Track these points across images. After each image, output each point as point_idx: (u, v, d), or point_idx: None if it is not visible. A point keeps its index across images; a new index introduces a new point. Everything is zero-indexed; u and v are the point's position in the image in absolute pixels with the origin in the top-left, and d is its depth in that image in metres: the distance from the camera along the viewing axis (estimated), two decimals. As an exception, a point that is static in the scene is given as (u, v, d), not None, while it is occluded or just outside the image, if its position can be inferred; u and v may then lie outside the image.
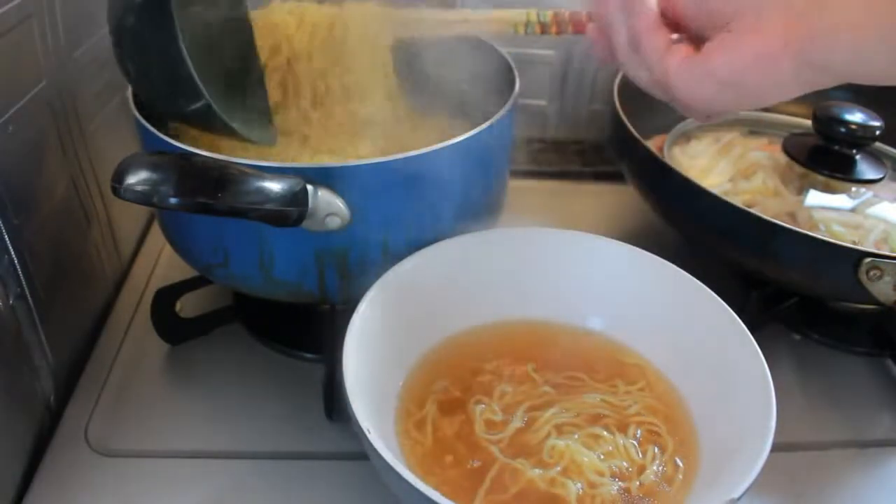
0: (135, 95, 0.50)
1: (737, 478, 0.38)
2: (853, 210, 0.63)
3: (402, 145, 0.54)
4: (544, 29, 0.47)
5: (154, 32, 0.43)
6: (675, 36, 0.41)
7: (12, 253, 0.47)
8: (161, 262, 0.68)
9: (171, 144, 0.46)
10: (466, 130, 0.48)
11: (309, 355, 0.58)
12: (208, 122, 0.46)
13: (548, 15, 0.47)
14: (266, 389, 0.56)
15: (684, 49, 0.39)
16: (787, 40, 0.35)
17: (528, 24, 0.48)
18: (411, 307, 0.49)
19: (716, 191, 0.56)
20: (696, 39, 0.40)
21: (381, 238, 0.49)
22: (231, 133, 0.47)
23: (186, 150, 0.45)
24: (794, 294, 0.61)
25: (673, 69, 0.39)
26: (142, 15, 0.43)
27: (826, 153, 0.64)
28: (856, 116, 0.62)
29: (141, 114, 0.48)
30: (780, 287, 0.60)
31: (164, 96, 0.46)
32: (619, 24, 0.42)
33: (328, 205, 0.44)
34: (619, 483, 0.43)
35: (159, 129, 0.47)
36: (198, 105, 0.44)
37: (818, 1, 0.35)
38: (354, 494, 0.48)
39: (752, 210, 0.54)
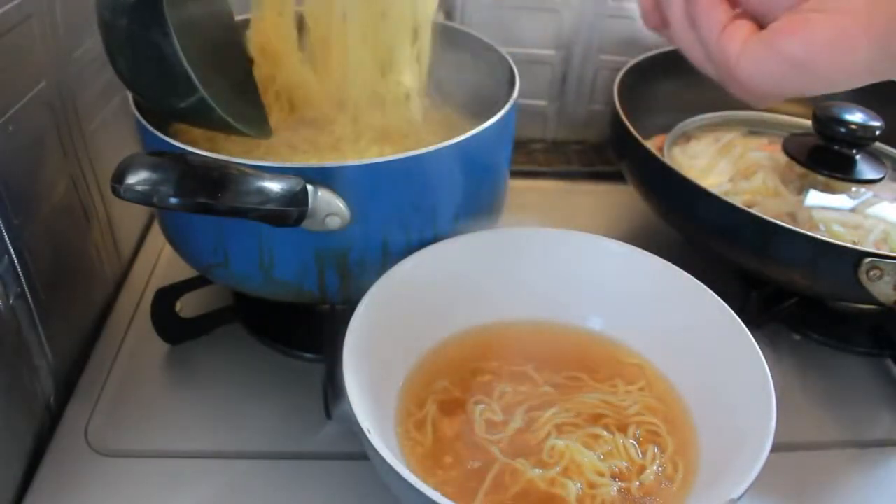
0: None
1: (737, 478, 0.38)
2: (853, 210, 0.63)
3: (404, 145, 0.54)
4: None
5: (146, 31, 0.43)
6: (737, 10, 0.38)
7: (12, 253, 0.47)
8: (161, 262, 0.68)
9: (171, 144, 0.46)
10: (466, 130, 0.48)
11: (309, 355, 0.58)
12: (204, 117, 0.46)
13: None
14: (266, 389, 0.56)
15: (748, 26, 0.37)
16: (870, 24, 0.33)
17: None
18: (411, 307, 0.49)
19: (716, 191, 0.56)
20: (760, 17, 0.37)
21: (381, 238, 0.49)
22: (227, 126, 0.47)
23: (186, 150, 0.44)
24: (794, 294, 0.61)
25: (735, 47, 0.36)
26: (133, 15, 0.43)
27: (826, 153, 0.64)
28: (856, 116, 0.62)
29: (141, 114, 0.48)
30: (780, 287, 0.60)
31: (159, 93, 0.46)
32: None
33: (328, 205, 0.44)
34: (619, 483, 0.43)
35: (159, 130, 0.47)
36: (193, 99, 0.44)
37: None
38: (354, 494, 0.48)
39: (752, 210, 0.54)
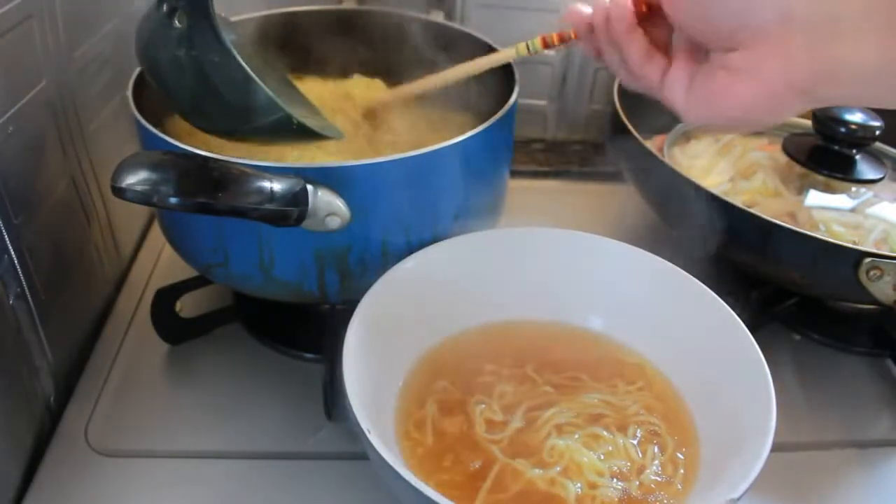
0: (135, 95, 0.50)
1: (737, 478, 0.38)
2: (853, 210, 0.63)
3: (403, 145, 0.54)
4: (542, 48, 0.48)
5: (207, 54, 0.43)
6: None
7: (12, 253, 0.47)
8: (161, 262, 0.68)
9: (171, 144, 0.46)
10: (467, 130, 0.48)
11: (309, 355, 0.58)
12: (283, 131, 0.46)
13: (536, 43, 0.47)
14: (266, 389, 0.56)
15: (683, 76, 0.40)
16: (790, 81, 0.36)
17: (517, 54, 0.49)
18: (411, 307, 0.49)
19: (716, 191, 0.56)
20: (696, 47, 0.40)
21: (381, 238, 0.49)
22: (307, 134, 0.47)
23: (186, 150, 0.45)
24: (794, 294, 0.61)
25: (680, 101, 0.40)
26: (190, 42, 0.42)
27: (826, 153, 0.64)
28: (856, 116, 0.62)
29: (141, 114, 0.48)
30: (780, 287, 0.60)
31: (233, 116, 0.45)
32: (610, 53, 0.42)
33: (328, 205, 0.44)
34: (619, 483, 0.43)
35: (159, 130, 0.47)
36: (277, 116, 0.44)
37: (823, 33, 0.34)
38: (354, 494, 0.48)
39: (752, 210, 0.54)
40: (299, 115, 0.46)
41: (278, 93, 0.45)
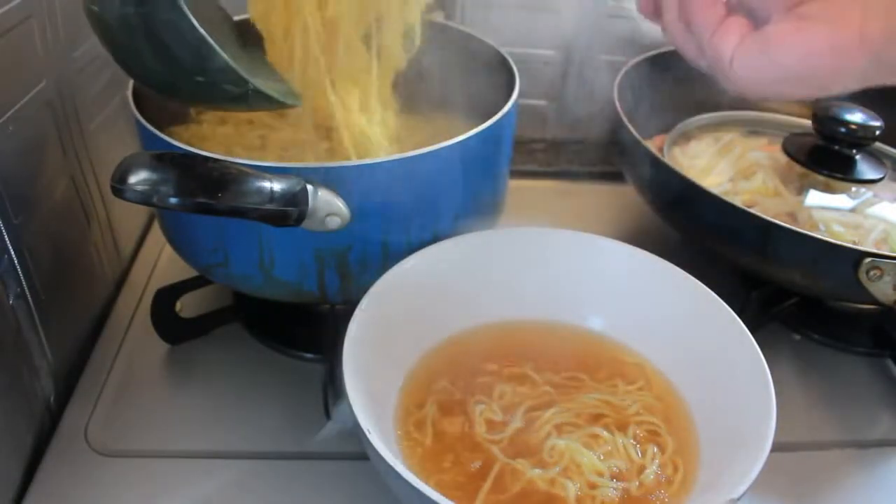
0: (135, 95, 0.50)
1: (737, 478, 0.38)
2: (853, 210, 0.63)
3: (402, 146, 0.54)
4: None
5: (159, 13, 0.41)
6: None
7: (12, 253, 0.47)
8: (161, 262, 0.68)
9: (171, 144, 0.46)
10: (467, 130, 0.48)
11: (309, 355, 0.58)
12: (240, 97, 0.45)
13: None
14: (266, 389, 0.56)
15: (742, 25, 0.36)
16: (864, 34, 0.33)
17: None
18: (411, 307, 0.49)
19: (716, 191, 0.56)
20: (754, 12, 0.37)
21: (381, 238, 0.49)
22: (259, 98, 0.45)
23: (186, 150, 0.44)
24: (794, 294, 0.61)
25: (729, 48, 0.36)
26: (152, 7, 0.41)
27: (826, 153, 0.64)
28: (856, 116, 0.62)
29: (141, 114, 0.48)
30: (780, 287, 0.59)
31: (183, 78, 0.44)
32: None
33: (328, 205, 0.44)
34: (619, 483, 0.43)
35: (159, 130, 0.47)
36: (241, 88, 0.43)
37: None
38: (354, 494, 0.48)
39: (752, 210, 0.54)
40: (260, 82, 0.44)
41: (237, 58, 0.44)
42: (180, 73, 0.44)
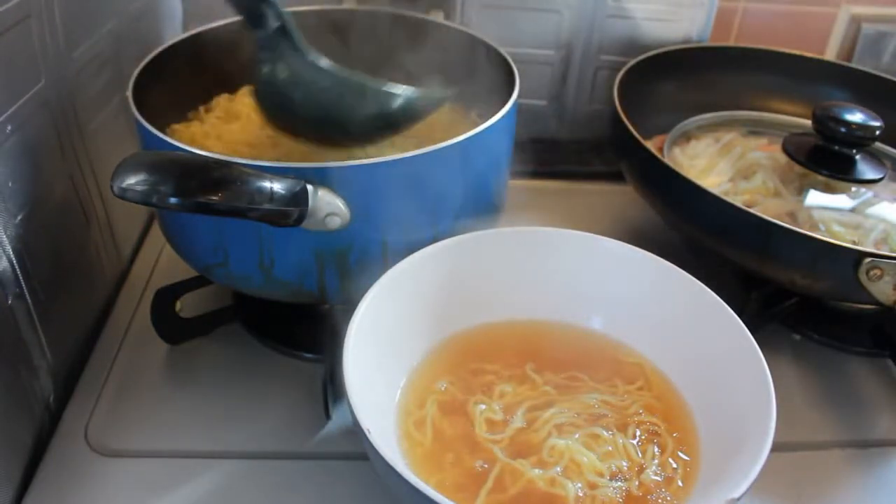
0: (135, 95, 0.50)
1: (737, 478, 0.38)
2: (853, 210, 0.63)
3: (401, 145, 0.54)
4: None
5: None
6: None
7: (11, 253, 0.47)
8: (161, 262, 0.67)
9: (171, 144, 0.46)
10: (467, 130, 0.48)
11: (309, 355, 0.58)
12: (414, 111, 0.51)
13: None
14: (266, 389, 0.56)
15: None
16: None
17: None
18: (411, 307, 0.49)
19: (716, 191, 0.56)
20: None
21: (381, 238, 0.49)
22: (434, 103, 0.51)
23: (186, 150, 0.45)
24: (794, 294, 0.61)
25: None
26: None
27: (826, 153, 0.64)
28: (856, 116, 0.62)
29: (141, 114, 0.48)
30: (780, 287, 0.59)
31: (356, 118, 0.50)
32: None
33: (328, 205, 0.44)
34: (619, 483, 0.43)
35: (159, 130, 0.47)
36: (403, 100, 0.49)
37: None
38: (354, 494, 0.48)
39: (752, 210, 0.54)
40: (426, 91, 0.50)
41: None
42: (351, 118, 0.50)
